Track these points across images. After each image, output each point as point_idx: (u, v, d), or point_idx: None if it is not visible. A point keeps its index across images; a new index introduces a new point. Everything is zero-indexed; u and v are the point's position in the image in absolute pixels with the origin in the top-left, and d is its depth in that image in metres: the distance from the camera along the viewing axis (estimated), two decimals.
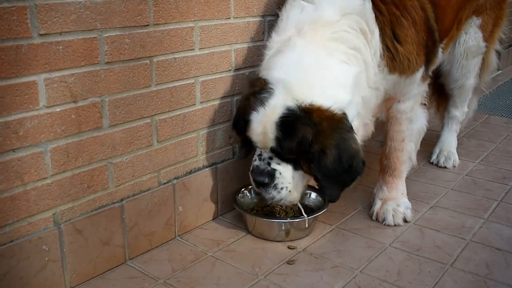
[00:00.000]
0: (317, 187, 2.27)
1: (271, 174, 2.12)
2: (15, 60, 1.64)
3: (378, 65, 2.21)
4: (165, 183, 2.26)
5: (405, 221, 2.58)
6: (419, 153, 3.49)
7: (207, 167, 2.46)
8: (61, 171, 1.85)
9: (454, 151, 3.39)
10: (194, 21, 2.19)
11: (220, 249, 2.32)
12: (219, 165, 2.51)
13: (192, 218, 2.44)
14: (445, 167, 3.30)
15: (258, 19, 2.49)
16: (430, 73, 2.53)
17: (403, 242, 2.41)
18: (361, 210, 2.72)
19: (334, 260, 2.24)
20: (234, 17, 2.38)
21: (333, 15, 2.10)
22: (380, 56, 2.20)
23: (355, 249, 2.34)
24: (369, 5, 2.14)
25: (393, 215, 2.56)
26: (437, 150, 3.38)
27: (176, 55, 2.16)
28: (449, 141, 3.38)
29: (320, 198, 2.57)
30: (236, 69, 2.47)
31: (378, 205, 2.63)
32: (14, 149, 1.70)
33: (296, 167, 2.13)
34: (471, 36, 3.02)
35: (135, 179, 2.13)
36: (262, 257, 2.26)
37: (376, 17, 2.15)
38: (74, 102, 1.83)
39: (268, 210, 2.56)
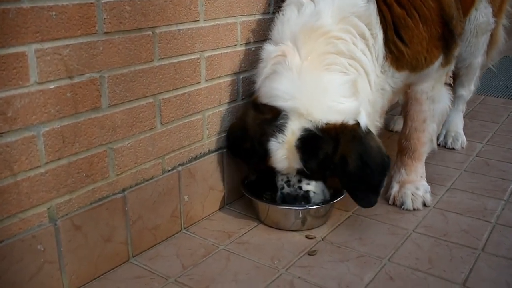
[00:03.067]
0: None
1: (306, 197, 2.12)
2: (1, 28, 1.38)
3: (382, 67, 2.10)
4: (169, 171, 2.03)
5: (424, 205, 2.41)
6: None
7: (213, 152, 2.23)
8: (56, 158, 1.60)
9: (461, 131, 3.24)
10: None
11: (232, 241, 2.10)
12: (225, 150, 2.29)
13: (199, 209, 2.22)
14: (453, 148, 3.15)
15: None
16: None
17: (427, 227, 2.24)
18: None
19: (358, 249, 2.06)
20: None
21: (330, 20, 1.99)
22: (384, 58, 2.08)
23: (378, 236, 2.16)
24: (373, 7, 2.00)
25: (412, 199, 2.38)
26: (444, 131, 3.22)
27: (180, 27, 1.92)
28: (456, 122, 3.23)
29: None
30: (242, 44, 2.24)
31: (395, 188, 2.45)
32: (2, 133, 1.45)
33: (325, 182, 2.13)
34: (482, 12, 2.85)
35: (138, 166, 1.89)
36: (280, 249, 2.05)
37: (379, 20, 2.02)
38: (70, 78, 1.59)
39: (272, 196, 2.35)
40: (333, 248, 2.06)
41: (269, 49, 2.09)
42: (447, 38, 2.18)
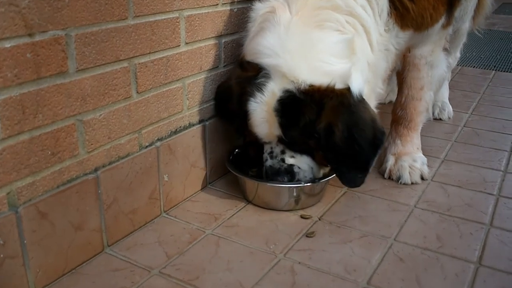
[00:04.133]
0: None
1: (289, 171, 1.90)
2: None
3: (386, 25, 1.89)
4: (147, 147, 1.77)
5: (422, 178, 2.24)
6: None
7: (194, 125, 1.98)
8: (15, 133, 1.32)
9: (447, 101, 3.11)
10: None
11: (220, 224, 1.87)
12: (207, 123, 2.04)
13: (179, 189, 1.97)
14: (440, 118, 3.01)
15: None
16: (455, 15, 2.18)
17: (428, 202, 2.07)
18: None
19: (359, 228, 1.87)
20: None
21: None
22: (388, 15, 1.86)
23: (379, 213, 1.97)
24: None
25: (409, 173, 2.21)
26: None
27: None
28: (442, 91, 3.08)
29: None
30: (224, 4, 1.99)
31: (391, 161, 2.27)
32: None
33: (313, 157, 1.90)
34: None
35: (112, 142, 1.63)
36: (274, 231, 1.84)
37: None
38: (30, 35, 1.30)
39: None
40: (332, 228, 1.87)
41: (258, 7, 1.88)
42: None
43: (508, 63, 4.48)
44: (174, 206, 1.96)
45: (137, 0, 1.59)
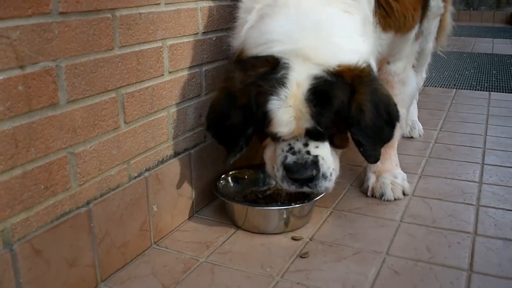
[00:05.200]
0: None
1: (315, 163, 1.76)
2: None
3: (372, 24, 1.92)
4: (136, 177, 1.76)
5: (403, 193, 2.29)
6: None
7: (179, 154, 1.98)
8: (8, 168, 1.29)
9: (417, 119, 3.20)
10: None
11: (212, 252, 1.85)
12: (192, 151, 2.04)
13: (168, 219, 1.95)
14: (411, 136, 3.09)
15: None
16: (423, 30, 2.28)
17: (413, 216, 2.11)
18: (351, 188, 2.39)
19: (351, 245, 1.89)
20: None
21: None
22: (373, 14, 1.90)
23: (367, 230, 2.00)
24: None
25: (392, 189, 2.26)
26: None
27: (142, 10, 1.67)
28: (411, 110, 3.16)
29: None
30: (203, 33, 2.02)
31: (372, 179, 2.31)
32: None
33: (331, 143, 1.80)
34: None
35: (102, 173, 1.60)
36: (268, 255, 1.83)
37: None
38: (21, 67, 1.29)
39: (251, 198, 2.14)
40: (325, 247, 1.88)
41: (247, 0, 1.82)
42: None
43: (466, 81, 4.68)
44: (163, 237, 1.94)
45: (122, 30, 1.60)
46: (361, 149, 1.80)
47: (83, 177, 1.53)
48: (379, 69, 2.22)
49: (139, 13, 1.66)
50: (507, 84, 4.56)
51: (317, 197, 1.99)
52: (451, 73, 5.03)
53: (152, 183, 1.82)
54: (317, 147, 1.76)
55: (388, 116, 1.79)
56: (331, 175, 1.80)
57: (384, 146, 2.19)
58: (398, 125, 1.86)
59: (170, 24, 1.82)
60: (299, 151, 1.75)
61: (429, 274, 1.71)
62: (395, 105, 1.84)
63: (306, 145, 1.75)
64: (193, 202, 2.09)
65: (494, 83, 4.59)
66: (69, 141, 1.46)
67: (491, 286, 1.65)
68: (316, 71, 1.65)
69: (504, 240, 1.92)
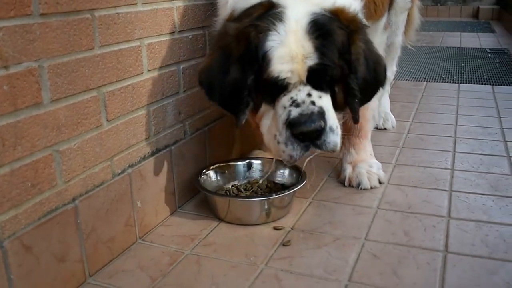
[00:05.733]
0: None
1: (322, 114, 1.71)
2: None
3: None
4: (119, 174, 1.79)
5: (379, 182, 2.37)
6: None
7: (160, 150, 2.02)
8: None
9: (390, 112, 3.30)
10: None
11: (197, 244, 1.90)
12: (172, 147, 2.08)
13: (152, 215, 1.99)
14: (385, 128, 3.18)
15: None
16: (391, 23, 2.36)
17: (389, 203, 2.19)
18: (329, 179, 2.47)
19: (331, 232, 1.95)
20: None
21: None
22: None
23: (346, 218, 2.07)
24: None
25: (368, 178, 2.34)
26: None
27: (119, 10, 1.71)
28: (383, 103, 3.27)
29: (291, 174, 2.25)
30: (180, 31, 2.06)
31: (349, 170, 2.39)
32: None
33: (333, 97, 1.80)
34: None
35: (87, 170, 1.64)
36: (251, 244, 1.89)
37: None
38: (5, 68, 1.32)
39: (233, 192, 2.19)
40: (306, 235, 1.94)
41: None
42: None
43: (436, 74, 4.81)
44: (148, 232, 1.97)
45: (102, 30, 1.63)
46: (353, 105, 1.82)
47: (69, 174, 1.56)
48: None
49: (117, 13, 1.70)
50: (475, 76, 4.71)
51: (295, 188, 2.05)
52: (421, 67, 5.17)
53: (135, 179, 1.86)
54: (321, 97, 1.73)
55: (375, 75, 1.83)
56: (337, 128, 1.77)
57: (360, 140, 2.28)
58: (381, 90, 1.92)
59: (148, 24, 1.86)
60: (303, 102, 1.70)
61: (407, 256, 1.78)
62: (385, 68, 1.89)
63: (309, 95, 1.71)
64: (175, 197, 2.13)
65: (463, 75, 4.73)
66: (54, 139, 1.49)
67: (465, 265, 1.73)
68: (313, 8, 1.68)
69: (476, 222, 2.01)
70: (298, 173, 2.20)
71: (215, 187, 2.21)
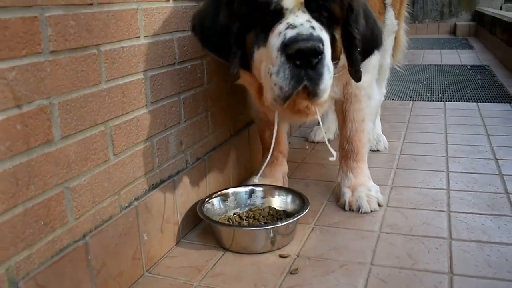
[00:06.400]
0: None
1: (320, 41, 1.62)
2: None
3: None
4: (126, 207, 1.79)
5: (379, 205, 2.40)
6: None
7: (164, 181, 2.02)
8: (11, 206, 1.31)
9: (381, 133, 3.34)
10: (137, 1, 1.78)
11: (205, 275, 1.89)
12: (175, 178, 2.08)
13: (157, 246, 1.98)
14: (377, 150, 3.22)
15: (194, 3, 2.14)
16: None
17: (391, 225, 2.22)
18: (328, 204, 2.49)
19: (337, 258, 1.96)
20: (173, 0, 2.00)
21: None
22: None
23: (350, 243, 2.09)
24: None
25: (367, 201, 2.36)
26: None
27: (124, 44, 1.72)
28: (376, 125, 3.31)
29: (294, 201, 2.26)
30: (179, 62, 2.08)
31: (348, 194, 2.41)
32: None
33: (332, 37, 1.77)
34: (387, 14, 2.97)
35: (96, 206, 1.63)
36: (259, 273, 1.89)
37: None
38: (18, 107, 1.32)
39: (235, 220, 2.20)
40: (312, 262, 1.95)
41: None
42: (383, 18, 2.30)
43: (420, 93, 4.90)
44: (154, 264, 1.96)
45: (108, 64, 1.64)
46: (354, 56, 1.83)
47: (79, 210, 1.55)
48: (346, 84, 2.33)
49: (121, 47, 1.71)
50: (459, 93, 4.81)
51: (300, 215, 2.06)
52: (405, 85, 5.26)
53: (141, 212, 1.85)
54: (321, 29, 1.68)
55: (373, 33, 1.89)
56: (329, 67, 1.69)
57: (357, 164, 2.30)
58: (377, 53, 1.99)
59: (150, 56, 1.87)
60: (301, 24, 1.63)
61: (414, 280, 1.80)
62: (381, 31, 1.94)
63: (309, 21, 1.65)
64: (179, 227, 2.13)
65: (447, 93, 4.83)
66: (65, 176, 1.48)
67: (471, 286, 1.75)
68: None
69: (477, 243, 2.04)
70: (300, 199, 2.22)
71: (217, 215, 2.21)
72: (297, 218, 2.04)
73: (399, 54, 3.31)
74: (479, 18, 9.83)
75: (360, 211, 2.34)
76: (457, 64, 6.57)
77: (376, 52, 1.98)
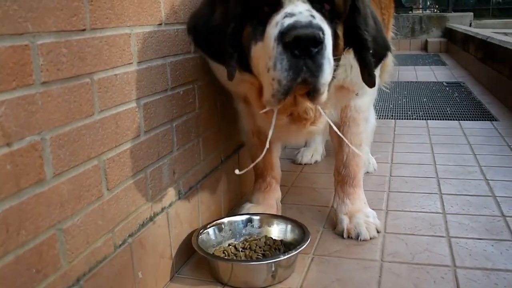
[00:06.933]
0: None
1: (321, 29, 1.52)
2: None
3: None
4: (120, 245, 1.66)
5: (377, 231, 2.32)
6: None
7: (157, 214, 1.90)
8: (1, 255, 1.18)
9: (370, 155, 3.28)
10: (129, 26, 1.67)
11: None
12: (169, 210, 1.97)
13: (152, 284, 1.86)
14: (367, 172, 3.16)
15: (185, 26, 2.05)
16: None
17: (392, 254, 2.15)
18: (325, 231, 2.40)
19: None
20: (165, 24, 1.91)
21: None
22: None
23: (353, 273, 2.00)
24: None
25: (366, 228, 2.29)
26: None
27: (117, 71, 1.61)
28: None
29: (293, 230, 2.17)
30: (172, 88, 1.98)
31: (346, 221, 2.33)
32: None
33: (335, 32, 1.67)
34: None
35: (90, 246, 1.51)
36: None
37: None
38: (8, 145, 1.19)
39: (230, 252, 2.09)
40: None
41: None
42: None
43: (401, 111, 4.90)
44: None
45: (101, 93, 1.53)
46: (367, 59, 1.74)
47: (72, 253, 1.42)
48: (344, 107, 2.27)
49: (114, 74, 1.60)
50: (439, 111, 4.83)
51: (302, 246, 1.97)
52: (385, 103, 5.26)
53: (135, 248, 1.73)
54: (322, 21, 1.59)
55: (382, 37, 1.84)
56: (329, 59, 1.58)
57: (354, 189, 2.23)
58: (386, 58, 1.93)
59: (143, 83, 1.77)
60: (300, 12, 1.53)
61: None
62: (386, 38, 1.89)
63: (309, 11, 1.56)
64: (172, 262, 2.01)
65: (427, 111, 4.83)
66: (57, 217, 1.36)
67: None
68: None
69: (483, 270, 1.99)
70: (299, 228, 2.13)
71: (212, 246, 2.11)
72: (299, 249, 1.95)
73: (386, 75, 3.27)
74: (450, 34, 10.02)
75: (359, 238, 2.27)
76: (432, 81, 6.63)
77: (389, 54, 1.91)
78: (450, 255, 2.11)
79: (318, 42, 1.52)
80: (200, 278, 2.01)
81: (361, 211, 2.35)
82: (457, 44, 8.83)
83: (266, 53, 1.60)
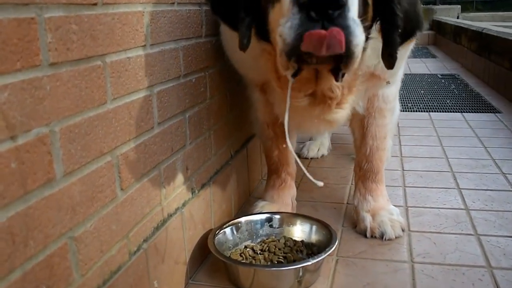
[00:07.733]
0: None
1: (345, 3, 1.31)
2: None
3: None
4: (135, 252, 1.46)
5: (402, 230, 2.16)
6: (345, 158, 3.19)
7: (171, 215, 1.71)
8: (7, 272, 0.97)
9: None
10: (142, 3, 1.47)
11: None
12: (183, 210, 1.78)
13: None
14: None
15: (196, 7, 1.85)
16: None
17: (421, 254, 1.99)
18: (345, 230, 2.23)
19: None
20: (178, 3, 1.71)
21: None
22: None
23: (383, 277, 1.84)
24: None
25: (391, 227, 2.12)
26: None
27: (129, 54, 1.41)
28: None
29: (318, 231, 1.99)
30: (184, 75, 1.78)
31: (368, 219, 2.16)
32: None
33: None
34: None
35: (104, 255, 1.31)
36: None
37: None
38: (12, 138, 0.99)
39: (248, 254, 1.91)
40: None
41: None
42: None
43: (402, 102, 4.74)
44: None
45: (114, 79, 1.33)
46: (393, 38, 1.52)
47: (86, 264, 1.22)
48: (371, 96, 2.10)
49: (127, 57, 1.40)
50: (440, 103, 4.70)
51: (331, 249, 1.79)
52: None
53: (151, 255, 1.54)
54: None
55: (415, 11, 1.65)
56: (354, 20, 1.34)
57: (377, 185, 2.06)
58: (414, 37, 1.74)
59: (156, 68, 1.57)
60: None
61: None
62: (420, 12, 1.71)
63: None
64: (187, 268, 1.82)
65: (428, 103, 4.71)
66: (69, 223, 1.16)
67: None
68: None
69: None
70: (324, 229, 1.95)
71: (228, 249, 1.92)
72: (328, 252, 1.77)
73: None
74: (438, 27, 9.94)
75: (384, 237, 2.10)
76: (426, 73, 6.51)
77: (418, 33, 1.71)
78: (483, 255, 1.96)
79: (339, 4, 1.30)
80: (217, 285, 1.82)
81: (385, 209, 2.19)
82: (445, 37, 8.74)
83: (282, 15, 1.40)
